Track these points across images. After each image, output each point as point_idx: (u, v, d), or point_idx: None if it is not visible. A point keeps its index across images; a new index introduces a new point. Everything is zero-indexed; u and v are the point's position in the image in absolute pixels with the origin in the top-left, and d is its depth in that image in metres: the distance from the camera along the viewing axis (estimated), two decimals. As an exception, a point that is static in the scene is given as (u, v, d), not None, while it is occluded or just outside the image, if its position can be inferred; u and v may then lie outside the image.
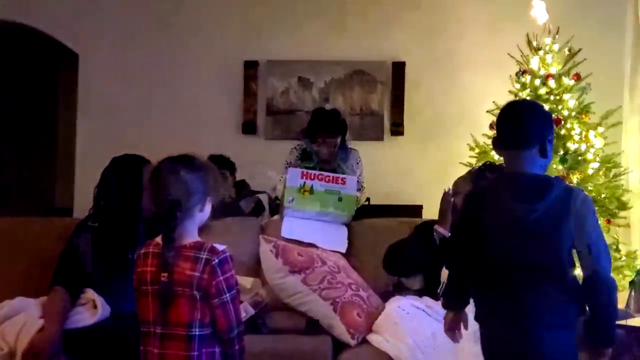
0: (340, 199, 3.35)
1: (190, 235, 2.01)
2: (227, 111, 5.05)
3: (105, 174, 2.79)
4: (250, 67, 5.03)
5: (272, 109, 4.99)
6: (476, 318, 2.07)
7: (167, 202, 1.96)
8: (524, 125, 1.99)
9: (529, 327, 1.90)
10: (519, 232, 1.91)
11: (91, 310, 2.49)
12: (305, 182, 3.34)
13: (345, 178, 3.39)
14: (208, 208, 2.06)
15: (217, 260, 1.94)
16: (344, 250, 3.29)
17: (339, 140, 3.72)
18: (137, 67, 5.06)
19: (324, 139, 3.69)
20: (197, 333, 1.94)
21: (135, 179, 2.64)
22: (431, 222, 3.19)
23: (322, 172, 3.40)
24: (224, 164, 4.36)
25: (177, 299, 1.94)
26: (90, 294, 2.52)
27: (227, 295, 1.95)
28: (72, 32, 5.09)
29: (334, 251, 3.23)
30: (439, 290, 2.94)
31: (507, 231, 1.93)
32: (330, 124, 3.72)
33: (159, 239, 2.01)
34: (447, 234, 2.95)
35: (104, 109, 5.05)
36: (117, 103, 5.05)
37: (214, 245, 1.99)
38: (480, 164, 3.30)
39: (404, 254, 3.01)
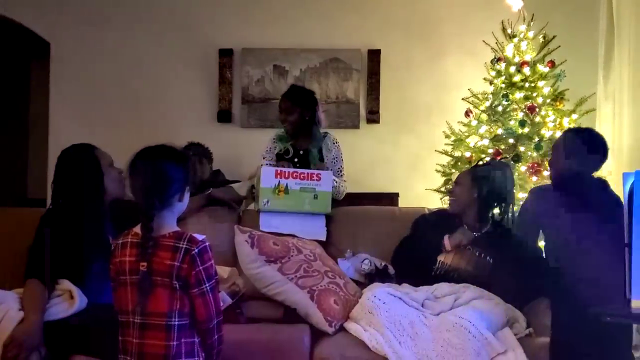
0: (315, 197, 3.33)
1: (169, 225, 2.01)
2: (202, 99, 5.00)
3: (58, 167, 2.76)
4: (225, 55, 4.98)
5: (248, 97, 4.96)
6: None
7: (146, 190, 1.94)
8: None
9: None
10: None
11: (68, 300, 2.47)
12: (279, 182, 3.31)
13: (320, 174, 3.36)
14: (187, 197, 2.05)
15: (196, 250, 1.94)
16: (323, 239, 3.29)
17: (297, 111, 3.68)
18: (110, 56, 4.98)
19: (283, 103, 3.71)
20: (176, 323, 1.94)
21: (91, 166, 2.66)
22: (427, 215, 3.26)
23: (297, 170, 3.38)
24: (201, 151, 4.33)
25: (156, 289, 1.93)
26: (65, 284, 2.50)
27: (207, 285, 1.95)
28: (44, 20, 4.99)
29: (313, 240, 3.23)
30: (434, 272, 2.98)
31: None
32: (290, 90, 3.79)
33: (137, 229, 2.00)
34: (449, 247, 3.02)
35: (76, 98, 4.97)
36: (89, 92, 4.97)
37: (193, 235, 1.98)
38: (484, 159, 3.35)
39: (414, 259, 3.05)
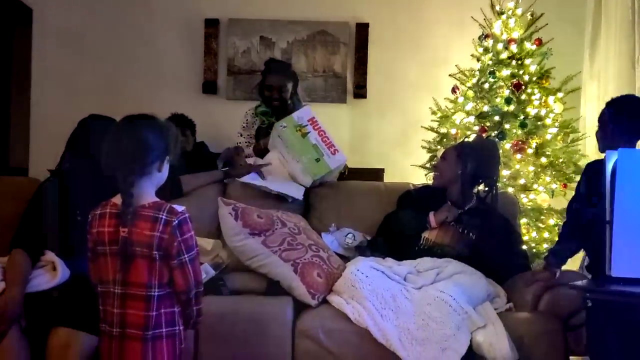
0: (317, 160, 3.32)
1: (148, 195, 2.00)
2: (186, 70, 4.95)
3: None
4: (211, 26, 4.92)
5: (233, 68, 4.91)
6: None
7: (125, 157, 1.94)
8: None
9: None
10: None
11: (51, 272, 2.45)
12: (307, 125, 3.33)
13: (338, 150, 3.36)
14: (166, 168, 2.05)
15: (176, 221, 1.94)
16: (300, 197, 3.30)
17: (289, 86, 3.70)
18: (94, 24, 4.90)
19: (274, 79, 3.70)
20: (156, 293, 1.94)
21: (82, 138, 2.64)
22: (412, 192, 3.26)
23: (326, 133, 3.37)
24: (185, 123, 4.31)
25: (136, 259, 1.93)
26: (49, 256, 2.48)
27: (186, 256, 1.96)
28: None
29: (292, 197, 3.27)
30: (418, 247, 3.00)
31: None
32: (278, 66, 3.79)
33: (115, 199, 1.99)
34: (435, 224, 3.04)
35: (59, 67, 4.90)
36: (72, 60, 4.90)
37: (173, 205, 1.98)
38: (469, 135, 3.36)
39: (399, 235, 3.07)
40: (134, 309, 1.94)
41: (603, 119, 2.75)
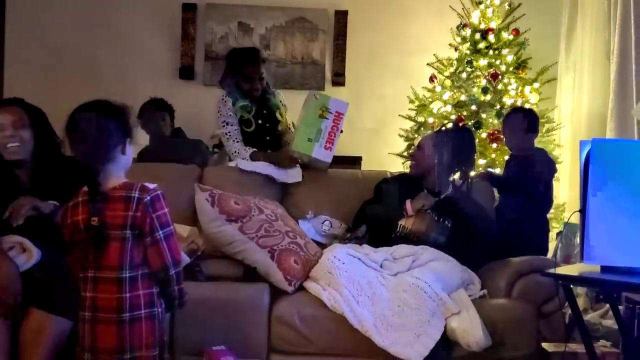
0: (309, 140, 3.31)
1: (117, 177, 2.01)
2: (163, 55, 4.90)
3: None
4: (189, 10, 4.87)
5: (211, 54, 4.87)
6: None
7: (86, 145, 1.96)
8: None
9: None
10: None
11: (23, 253, 2.42)
12: (331, 114, 3.37)
13: (331, 150, 3.36)
14: (130, 150, 2.06)
15: (148, 198, 1.94)
16: (299, 179, 3.33)
17: (264, 70, 3.65)
18: (69, 7, 4.83)
19: (253, 70, 3.57)
20: (127, 275, 1.94)
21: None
22: (389, 180, 3.28)
23: (338, 132, 3.40)
24: (163, 107, 4.27)
25: (109, 243, 1.92)
26: (15, 237, 2.44)
27: (160, 232, 1.95)
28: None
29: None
30: (394, 234, 3.02)
31: None
32: (252, 55, 3.65)
33: (86, 188, 1.98)
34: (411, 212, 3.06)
35: (32, 51, 4.81)
36: (46, 44, 4.81)
37: (145, 184, 1.98)
38: (446, 124, 3.38)
39: (376, 223, 3.09)
40: (105, 292, 1.93)
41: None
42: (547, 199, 3.35)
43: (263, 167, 3.31)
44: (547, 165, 3.29)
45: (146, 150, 4.08)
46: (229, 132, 3.53)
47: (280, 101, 3.69)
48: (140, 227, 1.93)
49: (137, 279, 1.95)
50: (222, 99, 3.62)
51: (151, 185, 1.98)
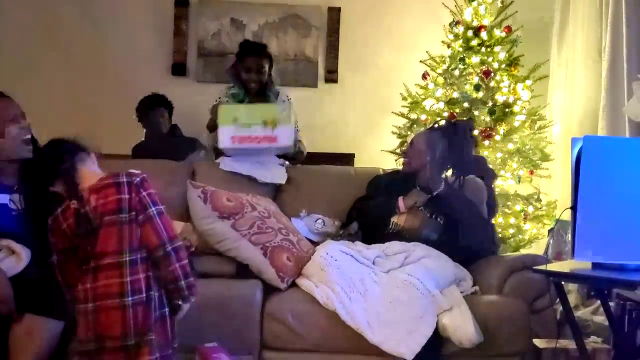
0: (234, 119, 3.22)
1: (96, 173, 2.11)
2: (156, 51, 4.88)
3: None
4: (181, 6, 4.86)
5: (203, 50, 4.86)
6: None
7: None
8: None
9: None
10: None
11: (12, 256, 2.40)
12: (264, 135, 3.22)
13: (237, 145, 3.26)
14: (90, 160, 2.18)
15: (138, 179, 2.01)
16: (283, 182, 3.31)
17: (266, 66, 3.69)
18: (62, 5, 4.81)
19: (251, 61, 3.66)
20: (128, 258, 1.95)
21: None
22: (382, 177, 3.29)
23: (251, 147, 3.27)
24: (162, 103, 4.26)
25: (105, 229, 1.94)
26: (1, 241, 2.41)
27: (153, 208, 2.00)
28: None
29: (270, 185, 3.28)
30: (387, 231, 3.03)
31: None
32: (254, 46, 3.75)
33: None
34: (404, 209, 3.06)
35: (25, 48, 4.79)
36: (37, 41, 4.79)
37: (130, 170, 2.05)
38: (439, 121, 3.38)
39: (369, 220, 3.10)
40: (106, 279, 1.93)
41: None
42: None
43: (245, 168, 3.30)
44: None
45: (140, 146, 4.08)
46: (211, 117, 3.66)
47: (284, 100, 3.70)
48: (135, 207, 1.97)
49: (137, 263, 1.96)
50: (223, 90, 3.78)
51: (136, 171, 2.04)
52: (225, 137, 3.23)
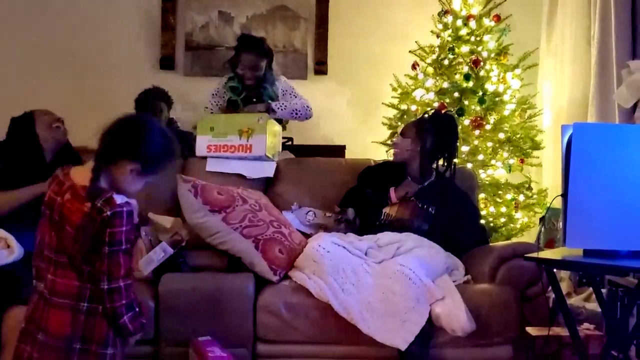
0: (211, 128, 3.32)
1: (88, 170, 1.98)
2: (144, 45, 4.85)
3: None
4: (168, 0, 4.82)
5: (192, 44, 4.83)
6: None
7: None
8: None
9: None
10: None
11: (5, 249, 2.40)
12: (239, 144, 3.31)
13: (211, 153, 3.33)
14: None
15: (109, 214, 1.85)
16: (271, 175, 3.32)
17: (263, 64, 3.69)
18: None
19: (246, 57, 3.68)
20: (88, 269, 1.89)
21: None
22: (373, 168, 3.27)
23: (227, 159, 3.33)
24: (160, 96, 4.24)
25: (65, 231, 1.89)
26: (1, 232, 2.43)
27: (107, 248, 1.87)
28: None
29: (260, 179, 3.28)
30: (379, 222, 3.03)
31: None
32: (250, 43, 3.74)
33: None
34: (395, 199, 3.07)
35: (8, 44, 4.75)
36: (23, 38, 4.75)
37: (113, 197, 1.89)
38: (428, 111, 3.37)
39: (360, 211, 3.09)
40: (65, 278, 1.89)
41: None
42: None
43: (232, 167, 3.30)
44: None
45: None
46: (210, 104, 3.75)
47: (281, 91, 3.71)
48: (92, 234, 1.85)
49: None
50: (223, 79, 3.81)
51: (120, 200, 1.89)
52: (201, 146, 3.35)
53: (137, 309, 1.94)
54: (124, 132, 1.97)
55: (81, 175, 1.94)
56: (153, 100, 4.18)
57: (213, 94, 3.81)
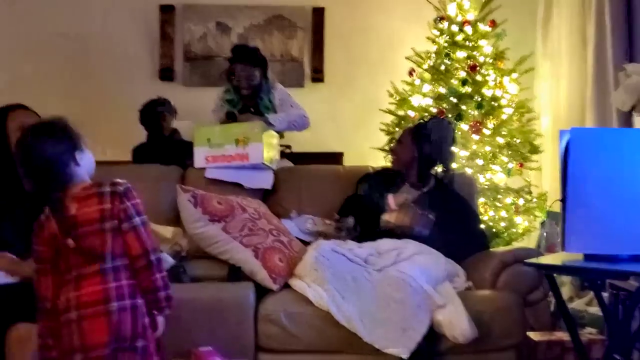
0: (208, 139, 3.32)
1: (83, 182, 2.02)
2: (143, 57, 4.86)
3: None
4: (167, 11, 4.84)
5: (190, 54, 4.85)
6: None
7: (39, 176, 1.98)
8: None
9: None
10: None
11: None
12: (236, 153, 3.30)
13: (211, 165, 3.33)
14: (86, 156, 2.06)
15: (122, 189, 1.97)
16: (269, 187, 3.32)
17: (257, 73, 3.69)
18: (46, 9, 4.78)
19: (240, 68, 3.68)
20: (110, 265, 1.93)
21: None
22: (371, 174, 3.27)
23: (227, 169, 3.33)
24: (165, 107, 4.26)
25: (87, 238, 1.92)
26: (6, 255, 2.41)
27: (137, 218, 1.97)
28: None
29: (258, 189, 3.27)
30: (378, 229, 3.02)
31: None
32: (244, 53, 3.75)
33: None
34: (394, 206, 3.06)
35: (8, 57, 4.76)
36: (22, 50, 4.76)
37: (114, 180, 1.99)
38: (425, 117, 3.37)
39: (359, 218, 3.08)
40: (90, 287, 1.91)
41: None
42: None
43: (230, 175, 3.30)
44: None
45: (140, 147, 4.11)
46: (210, 122, 3.71)
47: (278, 99, 3.72)
48: (118, 216, 1.94)
49: (120, 270, 1.94)
50: (220, 91, 3.82)
51: (121, 180, 2.00)
52: (199, 158, 3.35)
53: None
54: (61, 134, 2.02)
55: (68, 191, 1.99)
56: (157, 110, 4.20)
57: (213, 110, 3.81)
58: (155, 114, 4.20)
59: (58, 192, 1.97)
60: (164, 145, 4.09)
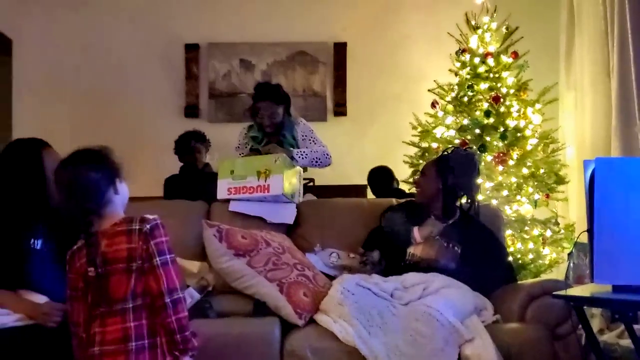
0: (232, 172, 3.35)
1: (115, 215, 2.06)
2: (168, 94, 4.97)
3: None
4: (191, 50, 4.95)
5: (215, 92, 4.93)
6: None
7: (78, 202, 2.01)
8: None
9: None
10: None
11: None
12: (257, 186, 3.32)
13: (232, 195, 3.35)
14: (123, 188, 2.11)
15: (148, 227, 1.99)
16: (291, 222, 3.32)
17: (280, 110, 3.73)
18: (76, 52, 4.91)
19: (263, 106, 3.72)
20: (130, 305, 1.96)
21: (33, 164, 2.50)
22: (395, 207, 3.26)
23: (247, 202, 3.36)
24: (200, 139, 4.34)
25: (114, 277, 1.96)
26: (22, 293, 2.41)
27: (158, 259, 1.97)
28: (6, 16, 4.90)
29: (281, 223, 3.28)
30: (404, 262, 3.01)
31: None
32: (266, 91, 3.78)
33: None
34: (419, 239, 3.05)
35: (40, 96, 4.89)
36: (53, 88, 4.89)
37: (145, 215, 2.02)
38: (448, 148, 3.36)
39: (384, 251, 3.06)
40: (112, 325, 1.95)
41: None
42: None
43: (253, 209, 3.32)
44: None
45: (173, 178, 4.18)
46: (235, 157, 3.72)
47: (300, 135, 3.74)
48: (141, 256, 1.97)
49: (141, 309, 1.97)
50: (244, 128, 3.85)
51: (151, 216, 2.02)
52: (222, 189, 3.37)
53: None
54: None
55: (101, 223, 2.03)
56: (193, 142, 4.28)
57: (236, 147, 3.85)
58: (190, 146, 4.28)
59: (93, 215, 2.01)
60: (195, 178, 4.16)
